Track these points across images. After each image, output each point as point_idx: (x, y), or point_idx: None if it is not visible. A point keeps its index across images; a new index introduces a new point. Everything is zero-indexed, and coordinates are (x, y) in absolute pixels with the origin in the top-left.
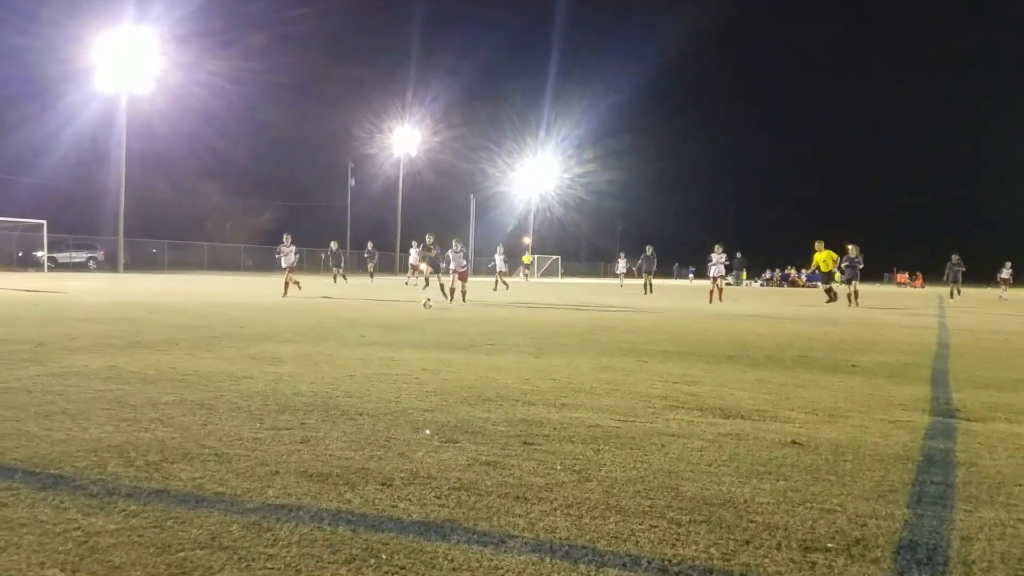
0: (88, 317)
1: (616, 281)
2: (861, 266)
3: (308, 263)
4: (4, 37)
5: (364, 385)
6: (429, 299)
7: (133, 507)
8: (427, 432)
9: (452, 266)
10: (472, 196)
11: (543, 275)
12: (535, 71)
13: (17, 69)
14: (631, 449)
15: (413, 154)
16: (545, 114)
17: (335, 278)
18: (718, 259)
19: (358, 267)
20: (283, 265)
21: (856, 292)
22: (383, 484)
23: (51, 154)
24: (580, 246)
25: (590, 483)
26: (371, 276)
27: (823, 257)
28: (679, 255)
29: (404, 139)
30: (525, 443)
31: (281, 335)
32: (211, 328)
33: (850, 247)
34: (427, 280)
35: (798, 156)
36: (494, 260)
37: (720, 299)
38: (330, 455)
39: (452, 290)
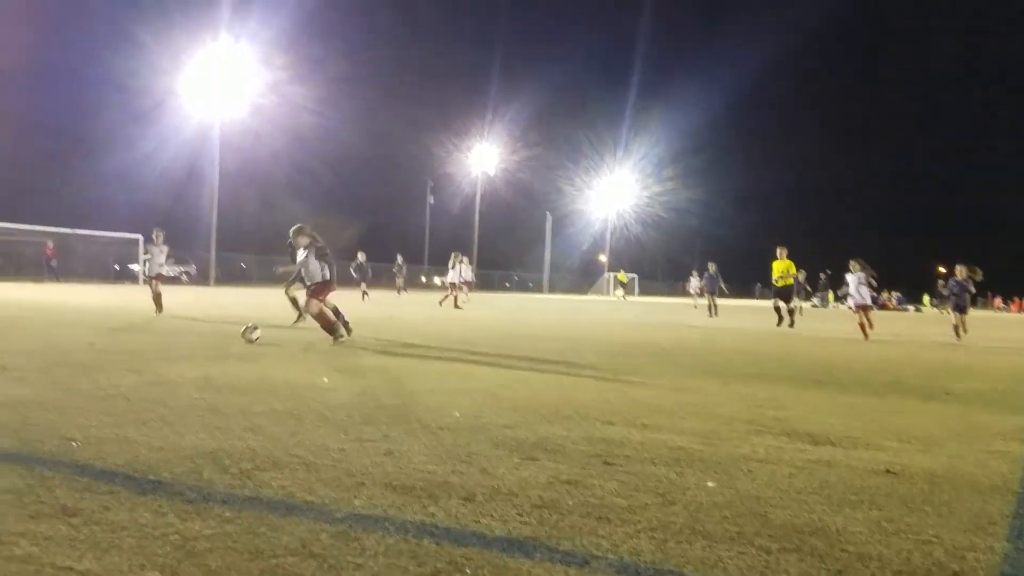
0: (182, 329)
1: (691, 300)
2: (972, 291)
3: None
4: (108, 61)
5: (443, 399)
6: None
7: (228, 513)
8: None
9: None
10: (548, 214)
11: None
12: (615, 90)
13: (118, 92)
14: (716, 473)
15: (491, 172)
16: (624, 132)
17: (363, 295)
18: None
19: (420, 282)
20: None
21: (963, 323)
22: (465, 499)
23: (149, 172)
24: (657, 264)
25: (674, 506)
26: (400, 291)
27: (783, 268)
28: (762, 275)
29: (482, 158)
30: (606, 463)
31: (365, 348)
32: (297, 340)
33: (959, 268)
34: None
35: (885, 174)
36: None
37: (791, 323)
38: (413, 468)
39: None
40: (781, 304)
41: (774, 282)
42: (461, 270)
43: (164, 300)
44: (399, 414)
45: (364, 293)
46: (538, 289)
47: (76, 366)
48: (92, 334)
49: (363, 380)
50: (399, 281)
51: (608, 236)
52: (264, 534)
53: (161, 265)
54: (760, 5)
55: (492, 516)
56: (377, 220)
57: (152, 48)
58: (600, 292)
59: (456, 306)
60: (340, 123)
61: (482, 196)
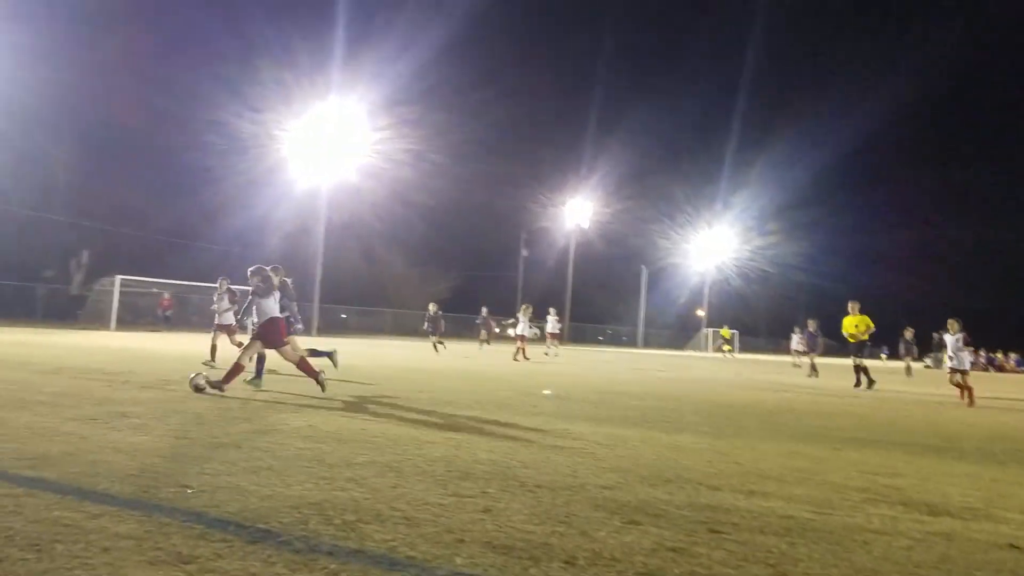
0: (288, 377)
1: (791, 359)
2: None
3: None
4: (230, 130)
5: (540, 456)
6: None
7: (333, 565)
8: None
9: (520, 331)
10: (644, 267)
11: (715, 349)
12: (713, 142)
13: (239, 156)
14: (829, 544)
15: (585, 226)
16: (723, 184)
17: (435, 346)
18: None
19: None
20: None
21: None
22: (566, 562)
23: (265, 230)
24: (759, 320)
25: None
26: (483, 344)
27: (854, 323)
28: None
29: (577, 211)
30: (712, 531)
31: (458, 401)
32: (394, 392)
33: None
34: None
35: (999, 233)
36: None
37: (869, 383)
38: (512, 527)
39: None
40: (859, 362)
41: (847, 338)
42: (525, 323)
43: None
44: (495, 470)
45: (436, 344)
46: (632, 343)
47: (189, 414)
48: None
49: (458, 434)
50: (483, 334)
51: (706, 290)
52: None
53: (222, 314)
54: (871, 56)
55: None
56: (472, 273)
57: (269, 115)
58: (697, 348)
59: (524, 358)
60: (436, 177)
61: (576, 249)
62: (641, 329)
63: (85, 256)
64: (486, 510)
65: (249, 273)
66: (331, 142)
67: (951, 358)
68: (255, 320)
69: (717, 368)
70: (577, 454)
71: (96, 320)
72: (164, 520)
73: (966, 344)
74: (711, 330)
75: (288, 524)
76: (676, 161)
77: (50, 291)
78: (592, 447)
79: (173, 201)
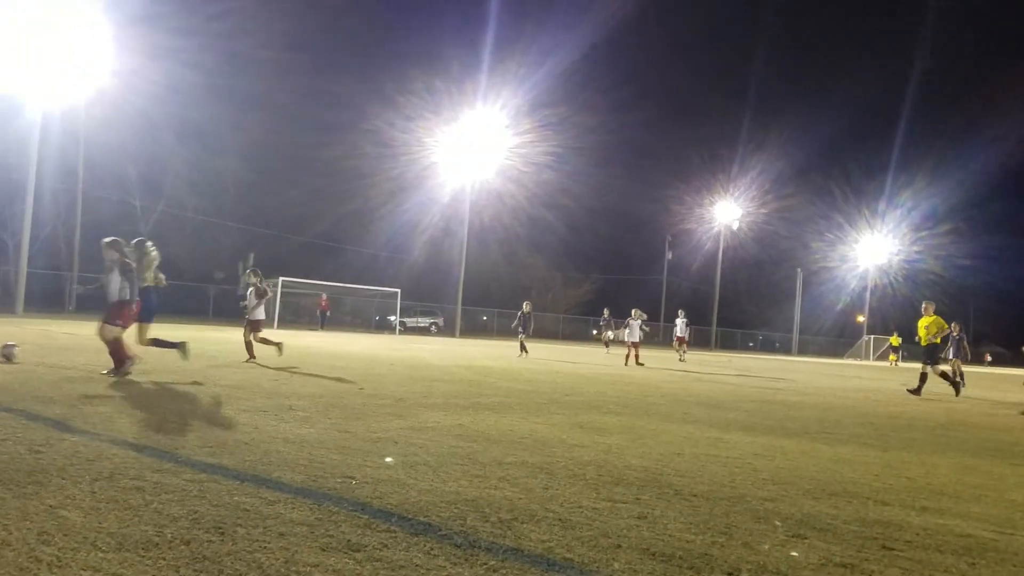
0: (436, 377)
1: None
2: None
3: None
4: (386, 139)
5: (694, 464)
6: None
7: (492, 562)
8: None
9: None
10: (799, 270)
11: (877, 358)
12: (878, 140)
13: (391, 161)
14: (1014, 566)
15: (735, 228)
16: (888, 183)
17: (521, 345)
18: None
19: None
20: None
21: None
22: (729, 574)
23: (412, 234)
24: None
25: None
26: (607, 345)
27: (927, 323)
28: None
29: (725, 212)
30: (884, 547)
31: (604, 405)
32: (540, 394)
33: None
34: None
35: None
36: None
37: (956, 385)
38: (669, 535)
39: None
40: (927, 369)
41: (918, 341)
42: (634, 326)
43: (418, 347)
44: (648, 477)
45: (522, 347)
46: (785, 350)
47: (349, 409)
48: (360, 379)
49: (608, 438)
50: (607, 335)
51: (868, 295)
52: None
53: (252, 310)
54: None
55: None
56: (614, 276)
57: (419, 122)
58: (858, 356)
59: (638, 363)
60: (580, 178)
61: (724, 251)
62: (796, 335)
63: (251, 259)
64: (641, 516)
65: (104, 245)
66: (476, 147)
67: None
68: (105, 291)
69: (882, 377)
70: (733, 464)
71: None
72: (333, 509)
73: None
74: (872, 337)
75: (446, 519)
76: (836, 158)
77: (220, 291)
78: (749, 457)
79: (332, 207)
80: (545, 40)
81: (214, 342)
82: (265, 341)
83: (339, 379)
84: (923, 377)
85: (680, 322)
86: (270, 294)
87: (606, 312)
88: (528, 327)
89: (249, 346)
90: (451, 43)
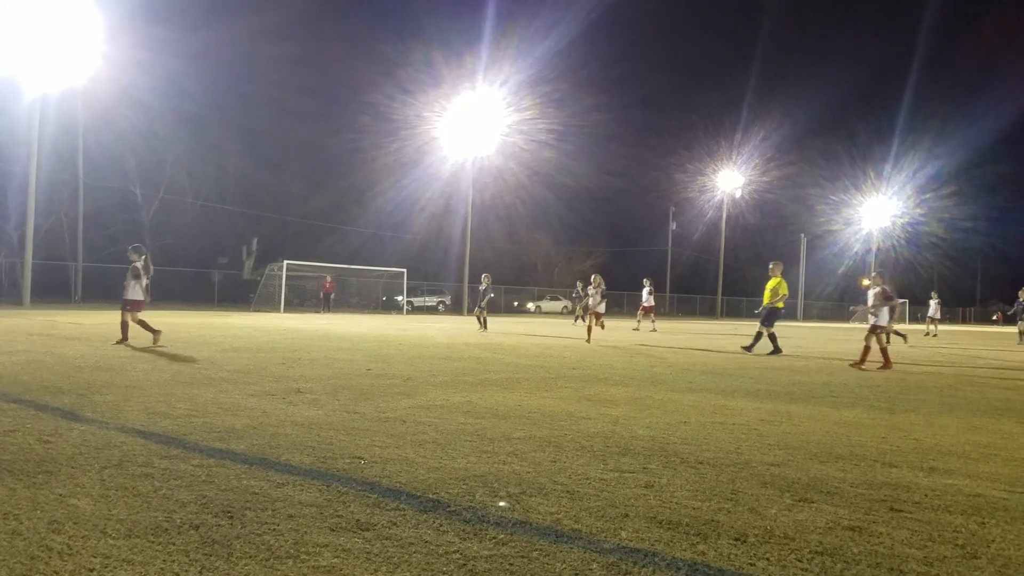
0: (444, 356)
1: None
2: None
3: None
4: (384, 111)
5: (700, 432)
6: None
7: (501, 535)
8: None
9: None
10: (803, 235)
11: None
12: (884, 104)
13: (389, 138)
14: None
15: (737, 196)
16: (893, 147)
17: (479, 319)
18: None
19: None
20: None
21: None
22: (736, 539)
23: (412, 212)
24: (929, 290)
25: (978, 560)
26: (578, 318)
27: (773, 285)
28: None
29: (728, 181)
30: (892, 509)
31: (611, 377)
32: (547, 368)
33: None
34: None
35: None
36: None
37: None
38: (676, 503)
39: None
40: (763, 329)
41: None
42: (597, 296)
43: (425, 327)
44: (655, 446)
45: (480, 317)
46: (790, 316)
47: (357, 390)
48: (368, 360)
49: (615, 410)
50: (578, 308)
51: (872, 259)
52: (538, 559)
53: (128, 289)
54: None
55: (768, 559)
56: (618, 248)
57: (418, 99)
58: (863, 320)
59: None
60: (581, 153)
61: (727, 219)
62: (801, 301)
63: (255, 243)
64: (648, 485)
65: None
66: (477, 123)
67: None
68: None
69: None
70: (739, 430)
71: (267, 303)
72: (342, 489)
73: None
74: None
75: (456, 495)
76: (841, 121)
77: (225, 276)
78: (755, 423)
79: (331, 185)
80: (546, 15)
81: (220, 327)
82: (143, 324)
83: (347, 360)
84: (758, 336)
85: (645, 291)
86: (150, 273)
87: (579, 285)
88: (483, 300)
89: (124, 326)
90: (451, 15)
